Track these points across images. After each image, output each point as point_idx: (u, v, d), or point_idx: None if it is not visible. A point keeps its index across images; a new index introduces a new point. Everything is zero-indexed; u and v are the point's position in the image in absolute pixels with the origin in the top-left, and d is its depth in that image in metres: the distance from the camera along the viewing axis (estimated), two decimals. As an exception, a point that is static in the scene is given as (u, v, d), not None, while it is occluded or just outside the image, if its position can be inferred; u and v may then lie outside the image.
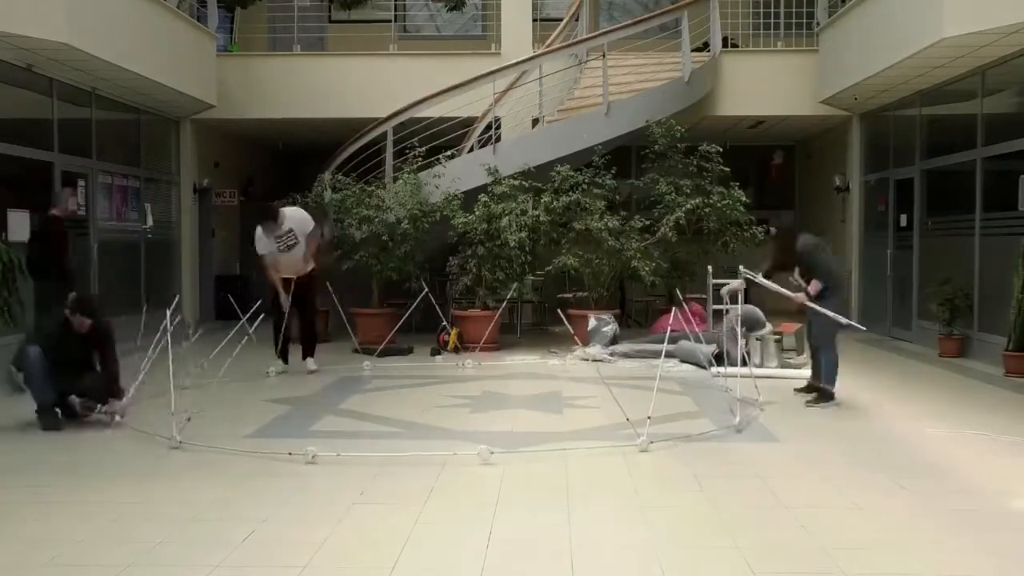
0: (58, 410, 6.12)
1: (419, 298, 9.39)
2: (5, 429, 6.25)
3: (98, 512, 4.30)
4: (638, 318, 12.61)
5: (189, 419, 5.67)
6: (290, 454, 5.22)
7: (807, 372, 8.45)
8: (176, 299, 7.18)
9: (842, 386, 7.93)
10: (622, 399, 6.10)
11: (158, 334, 6.40)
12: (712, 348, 8.58)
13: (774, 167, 15.90)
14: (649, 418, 5.55)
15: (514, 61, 11.67)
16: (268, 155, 16.28)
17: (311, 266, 8.56)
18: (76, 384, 6.15)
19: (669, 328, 7.73)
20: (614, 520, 4.22)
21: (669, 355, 9.05)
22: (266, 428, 6.22)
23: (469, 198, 10.67)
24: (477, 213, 10.30)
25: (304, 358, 8.74)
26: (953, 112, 10.39)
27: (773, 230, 8.40)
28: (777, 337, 8.73)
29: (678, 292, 8.80)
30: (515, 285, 9.52)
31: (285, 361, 8.67)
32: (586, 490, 4.67)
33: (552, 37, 12.43)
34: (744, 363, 7.38)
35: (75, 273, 8.50)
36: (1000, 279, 8.78)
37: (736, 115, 13.08)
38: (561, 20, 13.01)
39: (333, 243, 10.36)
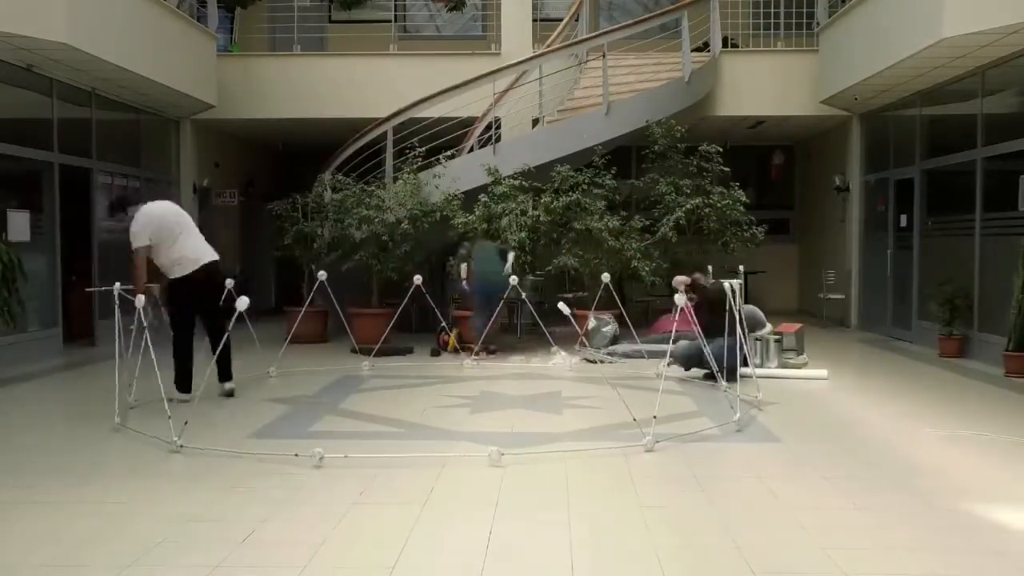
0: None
1: (410, 292, 9.14)
2: (6, 429, 6.27)
3: (97, 512, 4.30)
4: (638, 318, 12.59)
5: (186, 423, 5.65)
6: (296, 455, 5.22)
7: (807, 372, 8.47)
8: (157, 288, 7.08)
9: (842, 385, 7.95)
10: (623, 399, 6.11)
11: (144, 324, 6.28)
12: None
13: (774, 167, 15.90)
14: (655, 417, 5.55)
15: (514, 61, 11.68)
16: (268, 155, 16.29)
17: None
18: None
19: (673, 328, 7.70)
20: (614, 520, 4.22)
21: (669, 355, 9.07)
22: (266, 428, 6.21)
23: (469, 198, 10.67)
24: (477, 213, 10.30)
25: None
26: (953, 112, 10.39)
27: None
28: (777, 337, 8.72)
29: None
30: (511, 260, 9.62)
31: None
32: (586, 490, 4.67)
33: (552, 37, 12.43)
34: (744, 363, 7.37)
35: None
36: (1000, 279, 8.78)
37: (736, 115, 13.08)
38: (561, 20, 13.01)
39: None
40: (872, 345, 10.95)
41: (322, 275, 8.88)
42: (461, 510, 4.36)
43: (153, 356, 5.89)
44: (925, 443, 5.77)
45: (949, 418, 6.48)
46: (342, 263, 10.75)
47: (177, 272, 6.92)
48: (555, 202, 10.39)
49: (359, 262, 10.61)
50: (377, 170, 11.72)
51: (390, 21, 13.90)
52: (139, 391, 6.61)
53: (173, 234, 6.92)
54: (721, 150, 11.13)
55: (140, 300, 5.98)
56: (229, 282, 7.37)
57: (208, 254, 7.07)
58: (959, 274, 9.64)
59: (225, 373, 7.20)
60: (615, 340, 9.92)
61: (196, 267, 6.94)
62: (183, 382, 6.98)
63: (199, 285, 6.95)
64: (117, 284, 6.42)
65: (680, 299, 6.02)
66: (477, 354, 9.43)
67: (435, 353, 9.98)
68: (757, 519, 4.20)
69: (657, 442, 5.47)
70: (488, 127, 11.61)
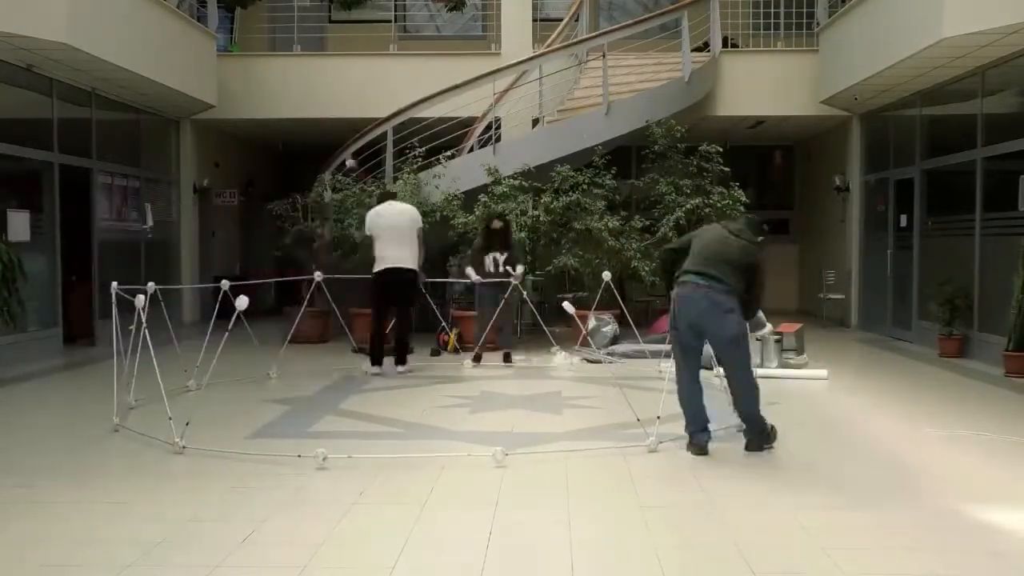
0: None
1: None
2: (6, 428, 6.27)
3: (97, 512, 4.31)
4: (638, 318, 12.59)
5: (188, 423, 5.64)
6: (300, 455, 5.21)
7: (807, 372, 8.47)
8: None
9: (842, 385, 7.95)
10: (623, 399, 6.11)
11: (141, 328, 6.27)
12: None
13: (774, 167, 15.90)
14: (659, 417, 5.55)
15: (514, 61, 11.68)
16: (268, 155, 16.29)
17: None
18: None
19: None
20: (614, 520, 4.22)
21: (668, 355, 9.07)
22: (266, 428, 6.21)
23: (469, 198, 10.67)
24: (477, 213, 10.30)
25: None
26: (953, 112, 10.40)
27: None
28: (777, 337, 8.71)
29: None
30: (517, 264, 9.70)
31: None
32: (585, 490, 4.67)
33: (552, 37, 12.43)
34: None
35: None
36: (1000, 279, 8.78)
37: (736, 115, 13.08)
38: (561, 20, 13.02)
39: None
40: (872, 345, 10.96)
41: (318, 275, 8.92)
42: (461, 510, 4.36)
43: (152, 356, 5.89)
44: (925, 443, 5.77)
45: (949, 418, 6.48)
46: (343, 263, 10.75)
47: (376, 266, 8.48)
48: (555, 202, 10.39)
49: (359, 262, 10.60)
50: (377, 170, 11.72)
51: (390, 21, 13.91)
52: (139, 391, 6.61)
53: (378, 230, 8.46)
54: (721, 150, 11.13)
55: (139, 300, 5.98)
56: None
57: (396, 261, 8.40)
58: (959, 274, 9.63)
59: (399, 358, 8.59)
60: (615, 340, 9.92)
61: (383, 267, 8.41)
62: (374, 356, 8.51)
63: (387, 281, 8.44)
64: (115, 284, 6.44)
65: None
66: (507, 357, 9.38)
67: (435, 353, 9.98)
68: (757, 519, 4.20)
69: (660, 443, 5.47)
70: (488, 127, 11.62)
